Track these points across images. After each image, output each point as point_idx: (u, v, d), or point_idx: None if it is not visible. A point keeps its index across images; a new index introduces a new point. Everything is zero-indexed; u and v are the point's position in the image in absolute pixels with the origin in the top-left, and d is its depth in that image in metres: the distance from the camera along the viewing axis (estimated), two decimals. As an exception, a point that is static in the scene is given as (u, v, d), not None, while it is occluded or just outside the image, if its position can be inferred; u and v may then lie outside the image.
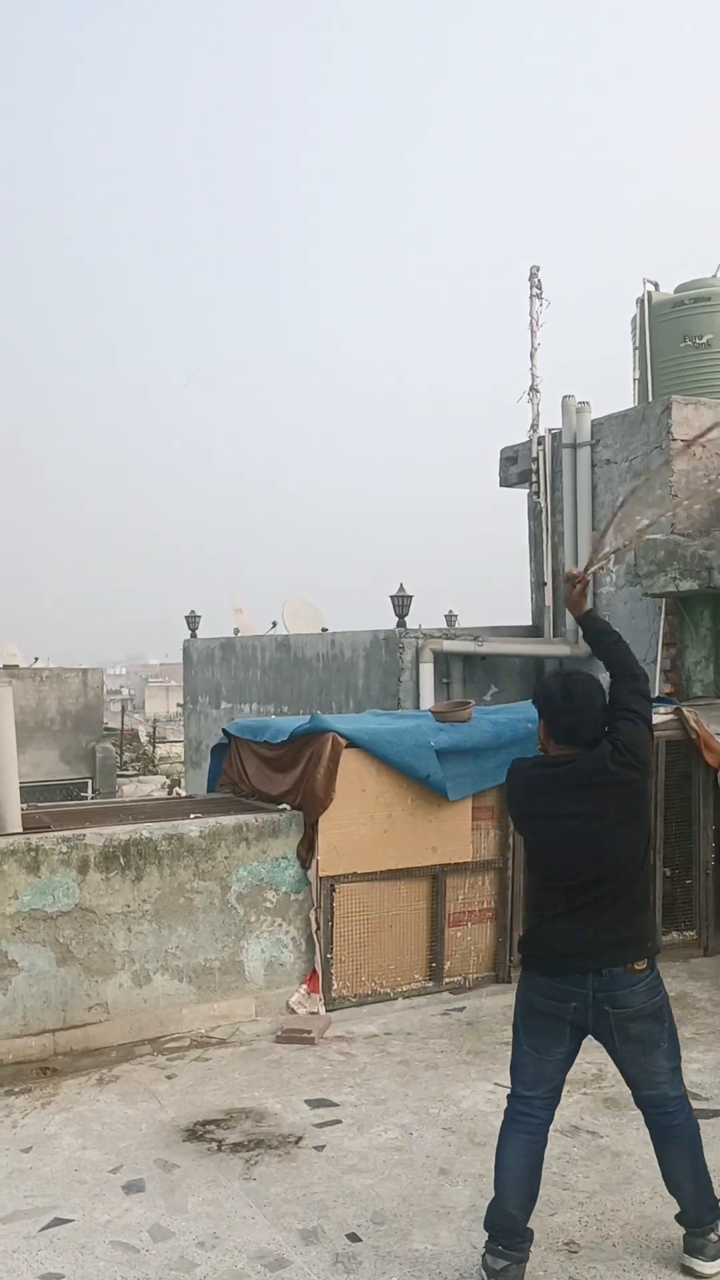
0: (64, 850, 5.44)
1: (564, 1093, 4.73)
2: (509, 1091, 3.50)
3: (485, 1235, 3.39)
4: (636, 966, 3.33)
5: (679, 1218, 3.50)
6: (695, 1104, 4.61)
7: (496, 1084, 4.87)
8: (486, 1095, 4.77)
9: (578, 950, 3.31)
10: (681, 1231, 3.49)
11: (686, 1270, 3.41)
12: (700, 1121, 4.41)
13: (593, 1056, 5.14)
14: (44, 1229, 3.73)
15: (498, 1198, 3.39)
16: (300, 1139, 4.38)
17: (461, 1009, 5.95)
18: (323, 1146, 4.31)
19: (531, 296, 10.01)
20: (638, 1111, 4.55)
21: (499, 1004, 6.00)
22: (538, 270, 10.04)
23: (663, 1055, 3.41)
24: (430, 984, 6.19)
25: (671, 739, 6.86)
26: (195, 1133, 4.47)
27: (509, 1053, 5.24)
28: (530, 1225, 3.69)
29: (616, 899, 3.35)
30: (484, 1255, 3.37)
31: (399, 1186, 3.97)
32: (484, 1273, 3.35)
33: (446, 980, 6.23)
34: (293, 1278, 3.42)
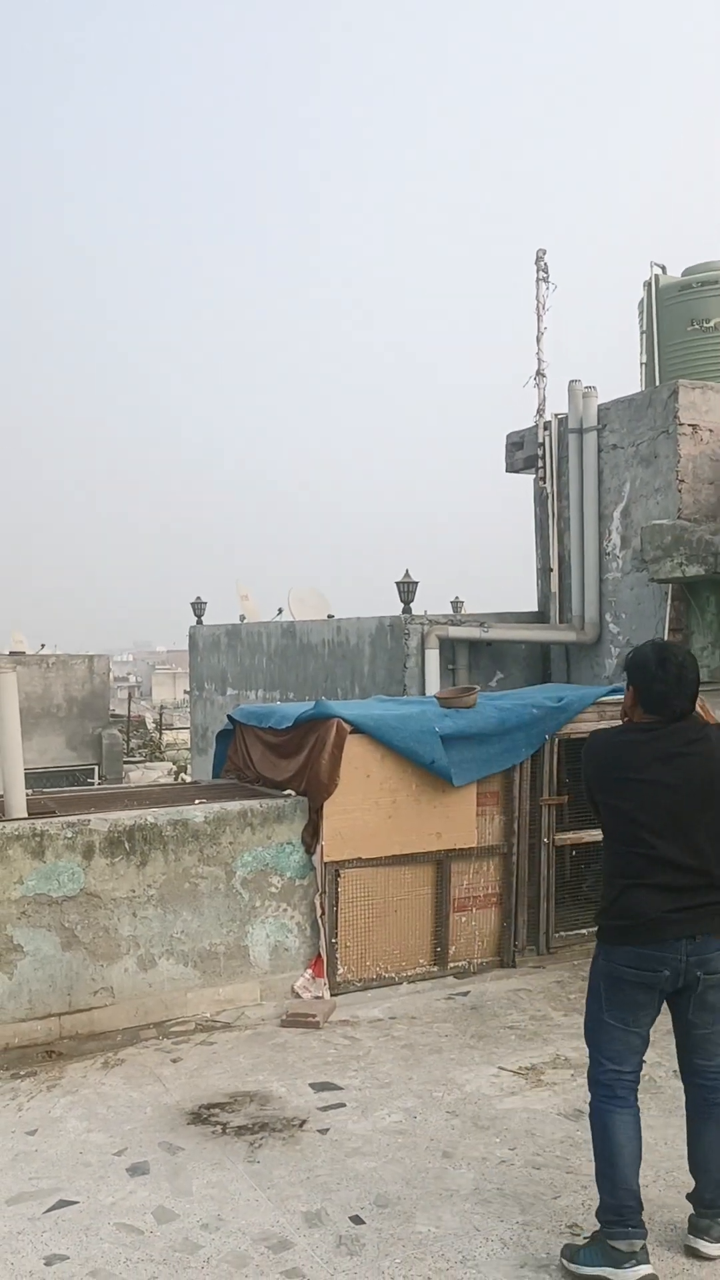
0: (69, 835, 5.45)
1: (568, 1075, 4.79)
2: (592, 1070, 3.44)
3: (485, 1220, 3.39)
4: None
5: (692, 1196, 3.48)
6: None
7: (501, 1068, 4.88)
8: (490, 1079, 4.78)
9: (671, 916, 3.26)
10: (688, 1212, 3.48)
11: (690, 1251, 3.41)
12: (704, 1106, 4.46)
13: (597, 1041, 5.17)
14: (49, 1211, 3.75)
15: (620, 1180, 3.29)
16: (304, 1122, 4.39)
17: (466, 993, 5.96)
18: (327, 1130, 4.32)
19: (538, 280, 9.94)
20: (642, 1096, 4.55)
21: (503, 989, 6.01)
22: (544, 254, 9.97)
23: None
24: (435, 969, 6.20)
25: (677, 725, 6.84)
26: (200, 1116, 4.48)
27: (513, 1037, 5.30)
28: (533, 1209, 3.71)
29: (711, 877, 3.31)
30: (610, 1245, 3.24)
31: (402, 1169, 3.98)
32: (614, 1259, 3.21)
33: (451, 965, 6.24)
34: (296, 1260, 3.43)
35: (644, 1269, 3.21)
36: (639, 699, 3.46)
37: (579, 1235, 3.49)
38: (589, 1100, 3.45)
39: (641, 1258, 3.22)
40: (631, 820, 3.34)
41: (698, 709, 6.78)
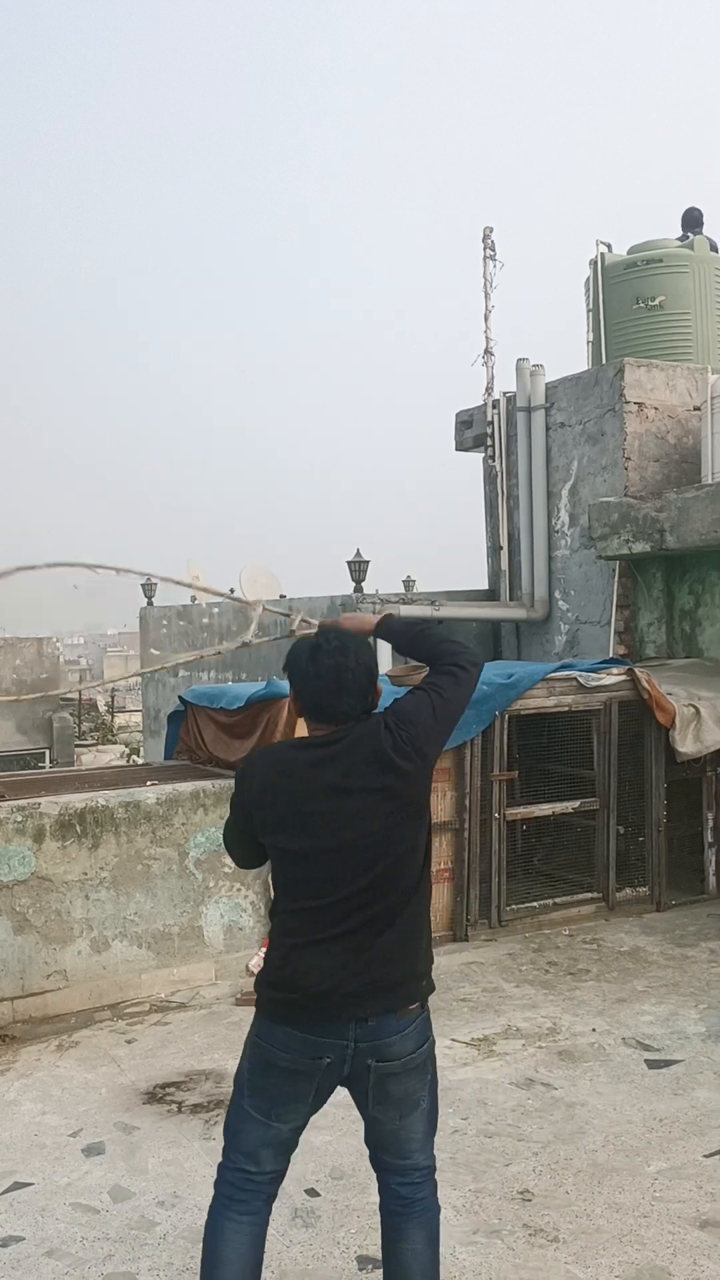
0: (19, 819, 5.40)
1: (519, 1045, 4.87)
2: (222, 1163, 2.72)
3: (440, 1188, 3.43)
4: (410, 1008, 2.62)
5: None
6: (647, 1055, 4.76)
7: (453, 1039, 4.95)
8: (443, 1051, 4.84)
9: (337, 991, 2.55)
10: (630, 1179, 3.56)
11: None
12: (653, 1072, 4.58)
13: (546, 1011, 5.27)
14: (3, 1193, 3.74)
15: None
16: (260, 1099, 4.42)
17: (419, 968, 6.03)
18: (282, 1105, 4.35)
19: (485, 258, 9.95)
20: (591, 1063, 4.69)
21: (456, 962, 6.09)
22: (491, 231, 9.97)
23: (422, 1116, 2.73)
24: (389, 944, 6.25)
25: (624, 699, 6.94)
26: (155, 1095, 4.50)
27: (466, 1009, 5.37)
28: (485, 1176, 3.76)
29: (390, 922, 2.60)
30: None
31: (357, 1141, 4.00)
32: None
33: (405, 940, 6.30)
34: (253, 1233, 3.46)
35: None
36: (299, 705, 2.72)
37: (530, 1201, 3.56)
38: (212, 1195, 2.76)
39: None
40: (298, 863, 2.61)
41: (643, 683, 6.92)
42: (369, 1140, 2.78)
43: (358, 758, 2.59)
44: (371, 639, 2.93)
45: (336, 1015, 2.57)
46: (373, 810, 2.57)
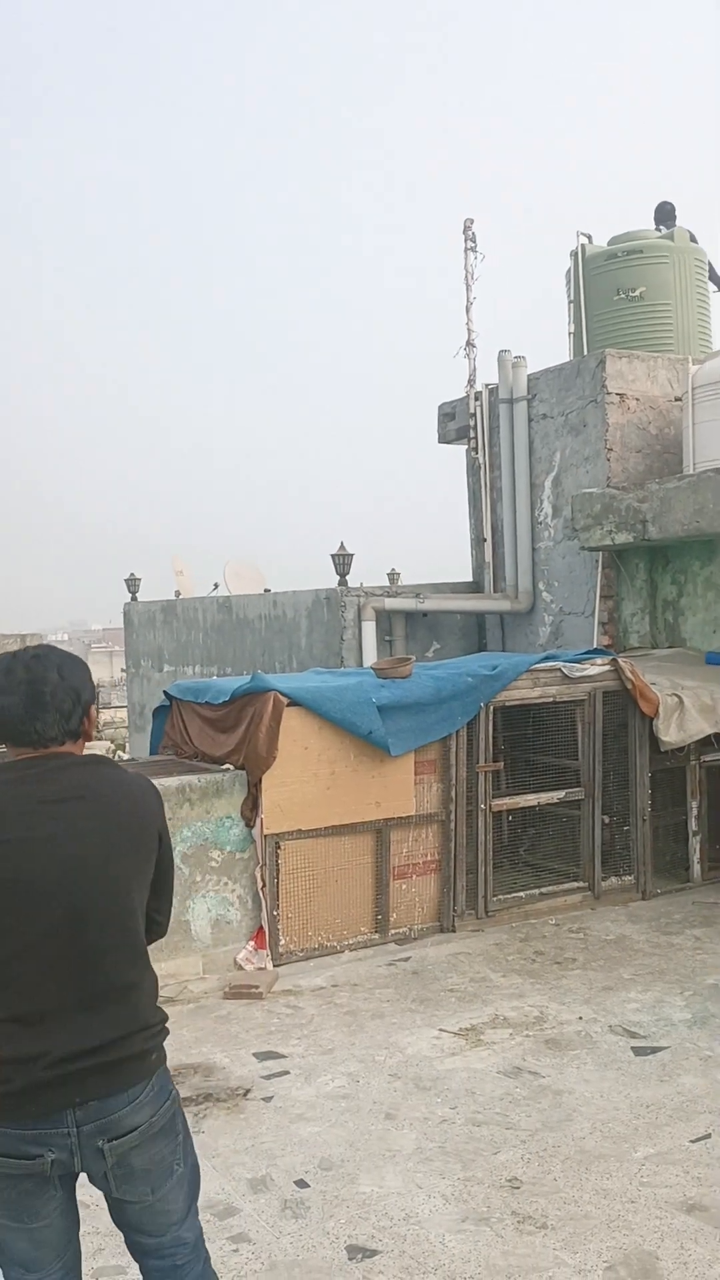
0: (4, 816, 5.39)
1: (506, 1035, 4.89)
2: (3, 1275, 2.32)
3: (427, 1178, 3.44)
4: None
5: None
6: (633, 1042, 4.79)
7: (441, 1030, 4.97)
8: (431, 1041, 4.87)
9: (41, 1080, 2.13)
10: (620, 1166, 3.59)
11: None
12: (640, 1059, 4.61)
13: (533, 1000, 5.29)
14: (-7, 1190, 3.74)
15: None
16: (249, 1091, 4.43)
17: (407, 959, 6.05)
18: (270, 1097, 4.37)
19: (466, 250, 9.94)
20: (578, 1051, 4.72)
21: (443, 953, 6.11)
22: (472, 223, 9.96)
23: (179, 1184, 2.33)
24: (376, 936, 6.27)
25: (609, 690, 6.97)
26: (144, 1090, 4.50)
27: (453, 999, 5.39)
28: (474, 1165, 3.79)
29: (100, 988, 2.19)
30: None
31: (346, 1133, 4.05)
32: None
33: (392, 932, 6.32)
34: (242, 1225, 3.48)
35: None
36: None
37: (518, 1188, 3.59)
38: None
39: None
40: None
41: (627, 673, 6.95)
42: (119, 1222, 2.35)
43: (83, 808, 2.22)
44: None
45: (47, 1106, 2.16)
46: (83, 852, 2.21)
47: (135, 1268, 3.26)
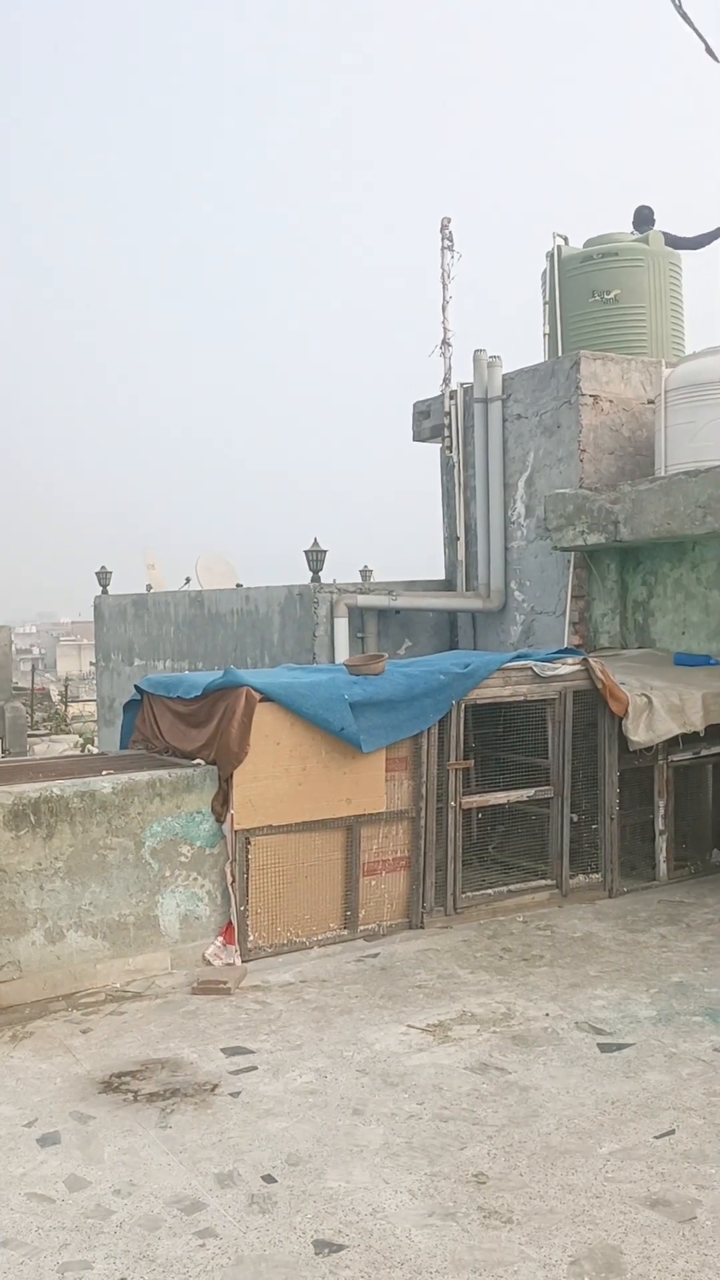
0: (-28, 809, 5.34)
1: (474, 1031, 4.92)
2: None
3: (394, 1173, 3.42)
4: None
5: None
6: (599, 1039, 4.83)
7: (409, 1026, 4.98)
8: (399, 1037, 4.88)
9: None
10: (580, 1159, 3.62)
11: None
12: (605, 1056, 4.65)
13: (501, 996, 5.32)
14: (-42, 1185, 3.72)
15: None
16: (216, 1086, 4.43)
17: (376, 955, 6.06)
18: (238, 1093, 4.36)
19: (443, 249, 9.97)
20: (545, 1048, 4.75)
21: (412, 949, 6.12)
22: (449, 222, 9.99)
23: None
24: (345, 932, 6.27)
25: (579, 689, 7.02)
26: (111, 1084, 4.48)
27: (421, 995, 5.41)
28: (440, 1160, 3.81)
29: None
30: None
31: (313, 1128, 4.05)
32: None
33: (361, 928, 6.32)
34: (209, 1220, 3.47)
35: None
36: None
37: (485, 1184, 3.61)
38: None
39: None
40: None
41: (597, 673, 6.99)
42: None
43: None
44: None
45: None
46: None
47: (101, 1262, 3.26)
